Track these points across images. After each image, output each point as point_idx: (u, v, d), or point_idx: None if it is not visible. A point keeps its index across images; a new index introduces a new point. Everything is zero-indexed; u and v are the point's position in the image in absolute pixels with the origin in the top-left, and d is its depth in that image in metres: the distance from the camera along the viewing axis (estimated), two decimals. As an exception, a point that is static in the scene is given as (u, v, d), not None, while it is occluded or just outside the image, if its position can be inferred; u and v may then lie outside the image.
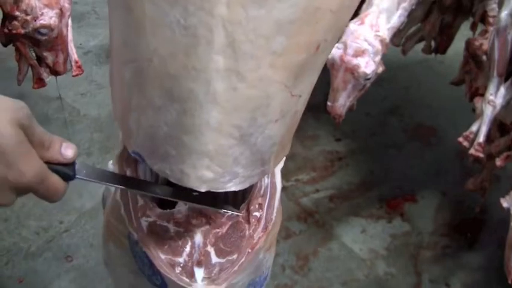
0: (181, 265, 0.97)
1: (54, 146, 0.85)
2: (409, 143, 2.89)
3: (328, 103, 1.85)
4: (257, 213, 1.02)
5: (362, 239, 2.35)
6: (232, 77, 0.78)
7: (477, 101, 1.92)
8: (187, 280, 0.95)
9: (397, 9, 1.88)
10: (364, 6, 1.88)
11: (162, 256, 0.97)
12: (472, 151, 1.84)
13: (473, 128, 1.87)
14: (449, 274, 2.24)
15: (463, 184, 2.11)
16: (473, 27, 2.42)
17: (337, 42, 1.79)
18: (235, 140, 0.84)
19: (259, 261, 1.02)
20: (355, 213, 2.47)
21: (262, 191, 1.05)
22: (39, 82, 2.05)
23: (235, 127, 0.82)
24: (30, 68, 2.03)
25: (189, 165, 0.86)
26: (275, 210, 1.03)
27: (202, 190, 0.88)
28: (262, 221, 1.01)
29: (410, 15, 2.00)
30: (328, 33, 0.82)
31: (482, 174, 2.02)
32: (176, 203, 1.03)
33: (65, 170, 0.86)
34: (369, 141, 2.88)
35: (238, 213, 1.00)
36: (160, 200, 1.07)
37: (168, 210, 1.03)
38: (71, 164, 0.88)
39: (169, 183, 0.95)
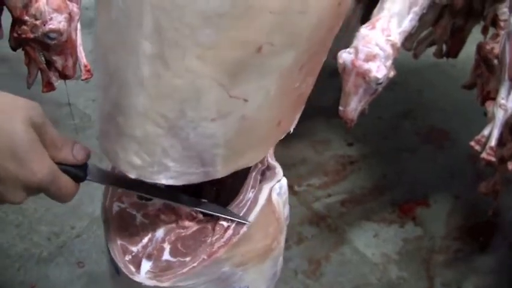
0: (133, 254, 0.97)
1: (66, 147, 0.86)
2: (422, 146, 2.87)
3: (340, 108, 1.85)
4: (224, 223, 1.00)
5: (374, 243, 2.35)
6: (157, 63, 0.79)
7: (489, 104, 1.91)
8: (133, 269, 0.95)
9: (408, 14, 1.87)
10: (375, 10, 1.88)
11: (119, 242, 0.99)
12: (483, 155, 1.83)
13: (485, 131, 1.86)
14: (462, 278, 2.23)
15: (475, 188, 2.10)
16: (484, 30, 2.41)
17: (347, 47, 1.79)
18: (162, 130, 0.83)
19: (223, 274, 1.00)
20: (368, 217, 2.46)
21: (241, 204, 1.03)
22: (49, 86, 2.05)
23: (162, 116, 0.82)
24: (39, 72, 2.04)
25: (121, 148, 0.87)
26: (247, 225, 1.01)
27: (132, 176, 0.88)
28: (228, 232, 0.99)
29: (422, 19, 2.00)
30: (272, 35, 0.80)
31: (494, 177, 2.01)
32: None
33: (76, 171, 0.87)
34: (381, 145, 2.87)
35: (245, 222, 0.99)
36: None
37: (143, 201, 1.04)
38: (82, 166, 0.88)
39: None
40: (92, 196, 2.34)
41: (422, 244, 2.35)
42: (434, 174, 2.69)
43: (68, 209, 2.32)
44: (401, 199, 2.55)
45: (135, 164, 0.87)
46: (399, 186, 2.62)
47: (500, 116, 1.80)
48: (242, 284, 1.04)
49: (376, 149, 2.84)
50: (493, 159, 1.82)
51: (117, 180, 0.95)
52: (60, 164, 0.84)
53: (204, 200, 1.00)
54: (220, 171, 0.92)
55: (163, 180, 0.89)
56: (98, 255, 2.18)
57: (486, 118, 1.91)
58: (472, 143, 1.89)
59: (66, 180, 0.85)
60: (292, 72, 0.88)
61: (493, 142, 1.81)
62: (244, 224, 1.00)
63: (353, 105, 1.83)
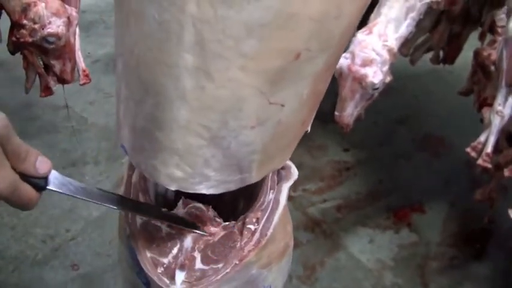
0: (165, 266, 0.97)
1: (29, 159, 0.85)
2: (418, 153, 2.88)
3: (336, 113, 1.85)
4: (251, 226, 1.00)
5: (369, 249, 2.35)
6: (200, 75, 0.78)
7: (485, 111, 1.92)
8: (167, 281, 0.95)
9: (405, 19, 1.88)
10: (372, 15, 1.88)
11: (148, 254, 0.98)
12: (480, 161, 1.83)
13: (482, 138, 1.87)
14: (457, 285, 2.22)
15: (471, 194, 2.10)
16: (481, 37, 2.41)
17: (344, 52, 1.79)
18: (204, 141, 0.83)
19: (251, 277, 1.00)
20: (363, 223, 2.46)
21: (264, 206, 1.04)
22: (47, 90, 2.05)
23: (204, 127, 0.82)
24: (37, 76, 2.04)
25: (160, 162, 0.86)
26: (272, 226, 1.01)
27: (172, 188, 0.88)
28: (256, 235, 1.00)
29: (419, 25, 2.00)
30: (310, 42, 0.81)
31: (490, 184, 2.01)
32: (176, 204, 1.04)
33: (37, 181, 0.87)
34: (377, 151, 2.88)
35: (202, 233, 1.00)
36: (157, 196, 1.08)
37: (165, 211, 1.04)
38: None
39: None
40: (87, 199, 2.34)
41: (417, 250, 2.35)
42: (429, 180, 2.70)
43: (63, 211, 2.32)
44: (396, 205, 2.55)
45: (175, 177, 0.87)
46: (395, 193, 2.62)
47: (496, 123, 1.80)
48: (266, 284, 1.06)
49: (372, 154, 2.84)
50: (489, 165, 1.83)
51: (79, 191, 0.94)
52: (22, 174, 0.84)
53: (167, 212, 1.01)
54: (255, 176, 0.94)
55: (204, 190, 0.90)
56: (92, 258, 2.18)
57: (482, 125, 1.91)
58: (468, 150, 1.89)
59: (26, 190, 0.85)
60: (321, 74, 0.89)
61: (489, 149, 1.82)
62: (268, 228, 1.01)
63: (349, 111, 1.83)
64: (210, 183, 0.89)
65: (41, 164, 0.86)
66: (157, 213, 1.00)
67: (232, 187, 0.93)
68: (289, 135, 0.95)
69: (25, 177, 0.84)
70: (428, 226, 2.46)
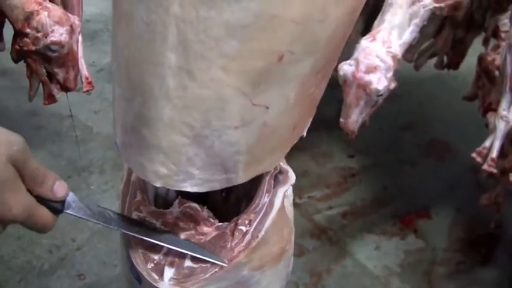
0: (155, 262, 0.99)
1: (46, 183, 0.87)
2: (423, 158, 2.87)
3: (341, 119, 1.85)
4: (243, 228, 1.02)
5: (376, 255, 2.34)
6: (183, 75, 0.80)
7: (490, 116, 1.92)
8: (156, 277, 0.96)
9: (409, 25, 1.88)
10: (376, 22, 1.89)
11: (140, 250, 0.99)
12: (485, 167, 1.83)
13: (487, 143, 1.86)
14: (464, 290, 2.22)
15: (477, 200, 2.10)
16: (485, 42, 2.41)
17: (348, 59, 1.79)
18: (187, 139, 0.85)
19: (242, 278, 1.01)
20: (369, 229, 2.46)
21: (258, 208, 1.05)
22: (50, 98, 2.07)
23: (187, 126, 0.84)
24: (41, 84, 2.05)
25: (147, 159, 0.88)
26: (264, 228, 1.02)
27: (158, 185, 0.90)
28: (247, 236, 1.01)
29: (422, 31, 2.00)
30: (293, 44, 0.82)
31: (496, 189, 2.01)
32: (172, 204, 1.05)
33: (54, 205, 0.88)
34: (382, 157, 2.87)
35: (222, 264, 0.99)
36: (157, 198, 1.09)
37: (161, 210, 1.05)
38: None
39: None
40: (93, 209, 2.34)
41: (423, 256, 2.35)
42: (435, 186, 2.69)
43: (69, 221, 2.32)
44: (402, 211, 2.54)
45: (161, 174, 0.89)
46: (400, 199, 2.62)
47: (501, 128, 1.80)
48: (259, 287, 1.06)
49: (377, 161, 2.84)
50: (494, 171, 1.82)
51: (94, 215, 0.95)
52: (39, 197, 0.85)
53: (184, 239, 1.01)
54: (242, 177, 0.95)
55: (188, 187, 0.91)
56: (98, 268, 2.18)
57: (487, 130, 1.91)
58: (474, 155, 1.89)
59: (42, 214, 0.87)
60: (309, 78, 0.91)
61: (494, 154, 1.81)
62: (260, 231, 1.02)
63: (354, 117, 1.83)
64: (194, 181, 0.91)
65: (58, 188, 0.88)
66: (174, 241, 1.00)
67: (217, 186, 0.94)
68: (277, 138, 0.96)
69: (42, 200, 0.85)
70: (434, 232, 2.46)
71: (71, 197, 0.91)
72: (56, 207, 0.89)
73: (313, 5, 0.81)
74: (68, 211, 0.91)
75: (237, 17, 0.76)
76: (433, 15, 1.97)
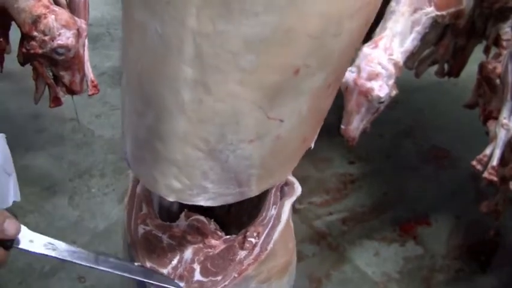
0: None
1: None
2: (423, 165, 2.88)
3: (342, 126, 1.86)
4: (252, 240, 1.01)
5: (375, 261, 2.34)
6: (199, 88, 0.79)
7: (491, 124, 1.92)
8: None
9: (411, 33, 1.88)
10: (378, 29, 1.89)
11: (148, 264, 0.99)
12: (485, 174, 1.83)
13: (487, 151, 1.87)
14: (463, 298, 2.22)
15: (477, 207, 2.10)
16: (486, 50, 2.42)
17: (350, 66, 1.79)
18: (202, 153, 0.85)
19: None
20: (368, 236, 2.46)
21: (265, 221, 1.05)
22: (56, 101, 2.07)
23: (202, 140, 0.83)
24: (46, 87, 2.05)
25: (160, 172, 0.88)
26: (272, 241, 1.02)
27: (171, 199, 0.90)
28: (256, 249, 1.01)
29: (424, 39, 2.00)
30: (309, 58, 0.82)
31: (496, 197, 2.01)
32: (178, 216, 1.04)
33: (3, 242, 0.87)
34: (383, 164, 2.87)
35: None
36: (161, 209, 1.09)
37: (168, 223, 1.05)
38: None
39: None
40: (93, 212, 2.34)
41: (423, 263, 2.35)
42: (435, 193, 2.69)
43: (70, 224, 2.33)
44: (402, 218, 2.54)
45: (174, 188, 0.88)
46: (400, 205, 2.62)
47: (502, 136, 1.80)
48: None
49: (377, 167, 2.84)
50: (494, 178, 1.82)
51: (46, 249, 0.94)
52: None
53: (154, 271, 1.00)
54: (254, 190, 0.95)
55: (202, 202, 0.91)
56: (99, 271, 2.17)
57: (488, 137, 1.91)
58: (474, 163, 1.89)
59: None
60: (321, 91, 0.90)
61: (495, 162, 1.82)
62: (268, 243, 1.02)
63: (355, 124, 1.83)
64: (208, 195, 0.90)
65: (8, 226, 0.87)
66: (139, 273, 0.99)
67: (230, 200, 0.94)
68: (288, 150, 0.96)
69: None
70: (434, 239, 2.46)
71: (23, 232, 0.90)
72: (6, 243, 0.88)
73: (329, 19, 0.80)
74: (18, 246, 0.90)
75: (254, 31, 0.76)
76: (434, 23, 1.98)
